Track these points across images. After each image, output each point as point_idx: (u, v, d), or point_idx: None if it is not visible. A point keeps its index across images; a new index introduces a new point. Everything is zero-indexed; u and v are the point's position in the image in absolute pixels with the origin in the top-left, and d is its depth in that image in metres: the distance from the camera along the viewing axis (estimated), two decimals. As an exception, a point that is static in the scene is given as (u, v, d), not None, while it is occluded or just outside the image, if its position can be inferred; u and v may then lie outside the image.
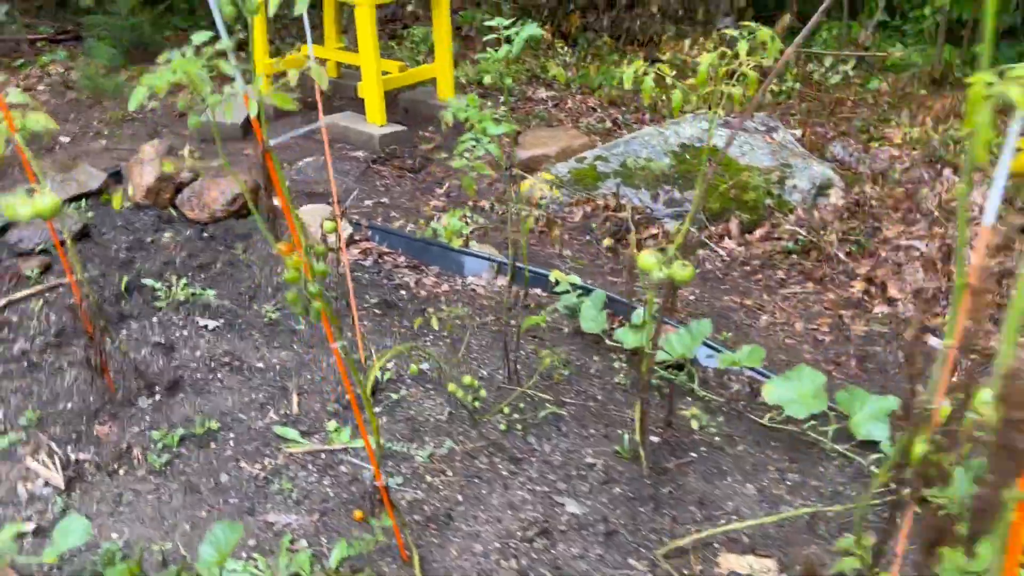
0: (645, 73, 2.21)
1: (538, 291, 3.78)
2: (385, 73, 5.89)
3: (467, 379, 2.55)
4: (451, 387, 2.57)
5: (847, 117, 6.49)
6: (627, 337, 3.18)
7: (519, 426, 2.78)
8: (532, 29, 2.26)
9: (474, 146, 2.34)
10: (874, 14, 7.96)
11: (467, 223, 4.20)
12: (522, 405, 2.90)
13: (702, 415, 2.70)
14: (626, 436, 2.68)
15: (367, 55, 5.67)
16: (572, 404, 2.93)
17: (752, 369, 3.05)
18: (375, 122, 5.83)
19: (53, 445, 2.64)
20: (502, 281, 3.81)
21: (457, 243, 3.96)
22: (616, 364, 3.20)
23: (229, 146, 5.90)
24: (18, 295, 3.52)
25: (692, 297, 4.17)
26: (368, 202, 5.12)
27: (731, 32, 2.18)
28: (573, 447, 2.67)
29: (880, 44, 7.76)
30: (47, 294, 3.58)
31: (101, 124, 6.13)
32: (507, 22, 2.40)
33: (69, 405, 2.83)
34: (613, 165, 5.00)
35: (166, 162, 4.30)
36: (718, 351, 3.19)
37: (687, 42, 7.51)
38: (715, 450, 2.71)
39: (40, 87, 6.80)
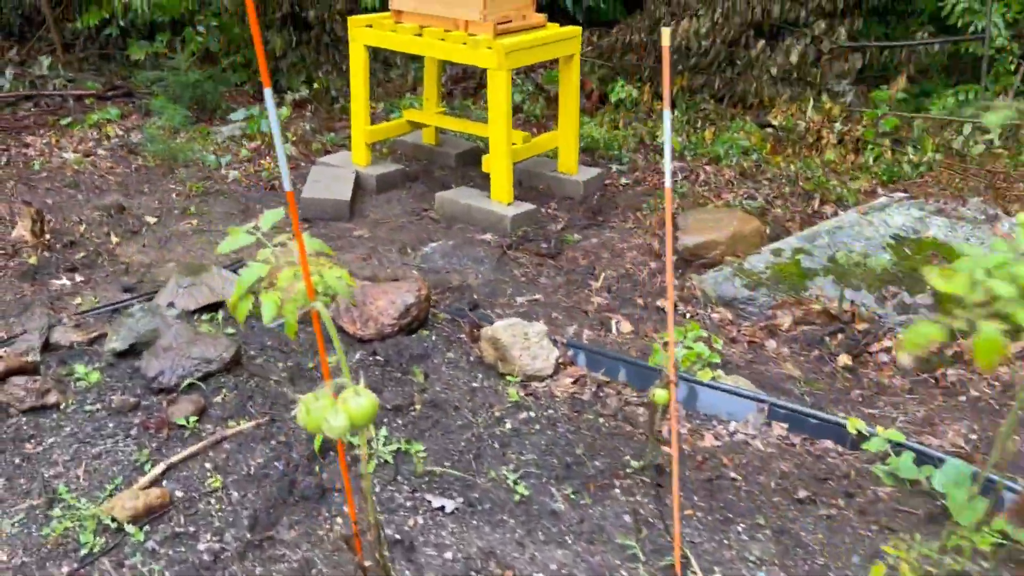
0: None
1: (827, 444, 2.97)
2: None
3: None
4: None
5: (1018, 195, 5.80)
6: (1027, 533, 2.38)
7: None
8: None
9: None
10: (1002, 79, 7.34)
11: (713, 350, 3.39)
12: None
13: None
14: None
15: (498, 125, 4.90)
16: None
17: None
18: (501, 200, 5.04)
19: None
20: (779, 431, 3.00)
21: (707, 376, 3.14)
22: (1029, 576, 2.40)
23: (335, 227, 5.09)
24: (179, 456, 2.67)
25: (974, 436, 3.39)
26: (520, 299, 4.31)
27: None
28: None
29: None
30: (210, 451, 2.74)
31: (181, 197, 5.29)
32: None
33: (316, 658, 1.99)
34: (820, 260, 4.24)
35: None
36: None
37: (810, 106, 6.83)
38: None
39: (100, 151, 5.95)
